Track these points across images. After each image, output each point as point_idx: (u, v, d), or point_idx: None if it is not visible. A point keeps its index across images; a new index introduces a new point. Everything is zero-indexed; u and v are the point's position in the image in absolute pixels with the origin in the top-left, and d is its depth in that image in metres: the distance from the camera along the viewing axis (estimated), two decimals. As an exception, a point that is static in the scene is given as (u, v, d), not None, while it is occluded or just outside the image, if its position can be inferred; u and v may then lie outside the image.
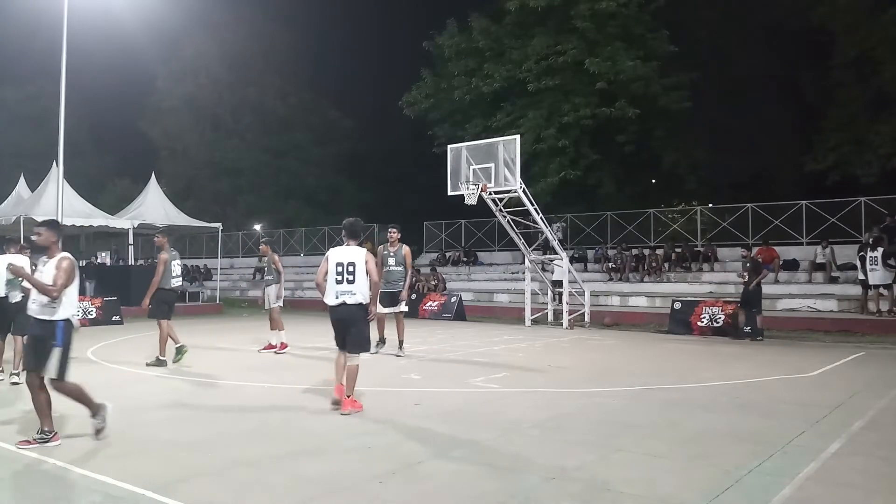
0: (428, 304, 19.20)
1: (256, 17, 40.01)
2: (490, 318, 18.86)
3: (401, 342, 10.65)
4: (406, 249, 10.60)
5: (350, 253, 6.55)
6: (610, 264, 21.00)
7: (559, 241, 18.40)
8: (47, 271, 5.30)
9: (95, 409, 5.47)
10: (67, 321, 5.34)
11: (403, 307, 10.63)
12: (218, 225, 23.38)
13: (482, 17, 25.69)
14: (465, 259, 25.26)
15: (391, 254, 10.47)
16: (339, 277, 6.46)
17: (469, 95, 25.33)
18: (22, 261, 7.84)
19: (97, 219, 20.61)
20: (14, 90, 42.12)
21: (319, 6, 40.18)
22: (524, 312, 16.94)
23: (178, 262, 9.95)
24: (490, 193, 15.45)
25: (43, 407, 5.28)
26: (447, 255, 25.98)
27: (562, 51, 23.26)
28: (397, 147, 37.26)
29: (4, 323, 8.16)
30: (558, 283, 17.26)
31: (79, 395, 5.42)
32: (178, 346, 9.68)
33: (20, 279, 6.81)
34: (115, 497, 4.19)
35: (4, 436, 5.55)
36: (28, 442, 5.21)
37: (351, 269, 6.44)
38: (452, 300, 19.02)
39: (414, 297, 11.62)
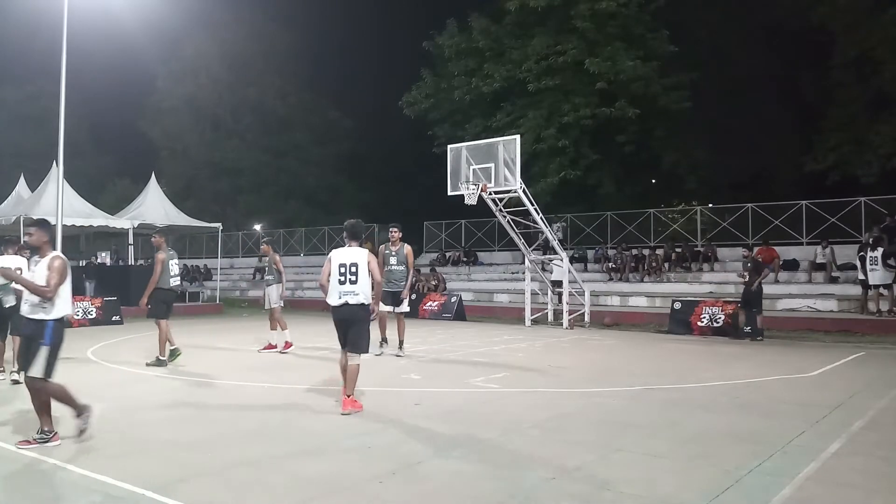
0: (428, 304, 19.20)
1: (256, 17, 40.05)
2: (490, 318, 18.86)
3: (401, 342, 10.65)
4: (408, 249, 10.59)
5: (352, 254, 6.62)
6: (610, 264, 21.01)
7: (559, 241, 18.40)
8: (39, 271, 5.28)
9: (80, 410, 5.41)
10: (58, 321, 5.30)
11: (405, 307, 10.64)
12: (218, 225, 23.38)
13: (482, 17, 25.69)
14: (465, 259, 25.26)
15: (393, 253, 10.46)
16: (342, 278, 6.53)
17: (469, 95, 25.33)
18: (20, 262, 7.84)
19: (97, 219, 20.62)
20: (14, 90, 42.13)
21: (319, 6, 40.24)
22: (524, 312, 16.94)
23: (176, 261, 9.95)
24: (490, 193, 15.45)
25: (43, 407, 5.28)
26: (447, 255, 25.98)
27: (562, 51, 23.25)
28: (397, 147, 37.27)
29: (3, 324, 8.16)
30: (558, 283, 17.27)
31: (63, 396, 5.36)
32: (172, 347, 9.67)
33: (12, 282, 6.79)
34: (115, 497, 4.19)
35: (4, 436, 5.56)
36: (28, 442, 5.21)
37: (353, 269, 6.52)
38: (452, 300, 19.01)
39: (414, 297, 11.62)
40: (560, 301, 16.77)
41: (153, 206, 21.95)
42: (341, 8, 41.09)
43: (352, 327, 6.55)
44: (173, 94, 39.96)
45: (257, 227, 36.71)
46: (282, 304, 11.37)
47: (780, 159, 26.57)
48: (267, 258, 11.67)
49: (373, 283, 6.66)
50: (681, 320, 14.69)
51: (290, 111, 40.49)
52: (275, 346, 11.25)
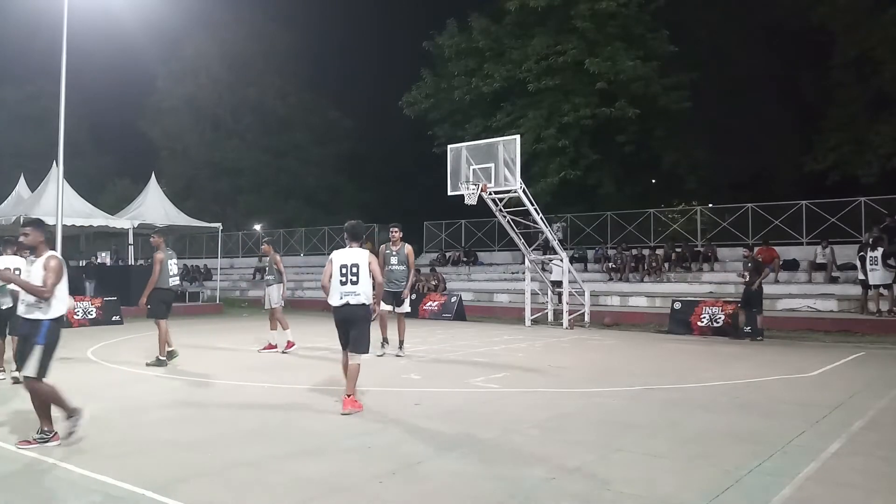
0: (428, 304, 19.20)
1: (256, 17, 40.06)
2: (490, 318, 18.86)
3: (401, 342, 10.65)
4: (409, 248, 10.58)
5: (353, 255, 6.68)
6: (610, 264, 21.01)
7: (559, 240, 18.39)
8: (35, 271, 5.25)
9: (71, 412, 5.34)
10: (55, 321, 5.27)
11: (406, 307, 10.64)
12: (218, 225, 23.38)
13: (482, 17, 25.69)
14: (465, 259, 25.27)
15: (394, 253, 10.45)
16: (344, 279, 6.59)
17: (469, 95, 25.33)
18: (19, 262, 7.83)
19: (97, 219, 20.61)
20: (14, 90, 42.14)
21: (319, 6, 40.25)
22: (524, 312, 16.94)
23: (175, 261, 9.97)
24: (490, 193, 15.45)
25: (42, 407, 5.27)
26: (447, 255, 25.98)
27: (562, 51, 23.26)
28: (397, 147, 37.27)
29: (1, 324, 8.17)
30: (558, 284, 17.29)
31: (55, 398, 5.29)
32: (169, 349, 9.66)
33: (8, 284, 6.77)
34: (115, 497, 4.19)
35: (4, 435, 5.56)
36: (28, 442, 5.21)
37: (354, 270, 6.59)
38: (452, 300, 19.02)
39: (414, 296, 11.62)
40: (560, 301, 16.77)
41: (153, 206, 21.95)
42: (341, 8, 41.17)
43: (353, 327, 6.60)
44: (173, 94, 39.97)
45: (257, 227, 36.71)
46: (282, 304, 11.38)
47: (780, 159, 26.58)
48: (268, 258, 11.68)
49: (374, 284, 6.73)
50: (681, 320, 14.69)
51: (290, 111, 40.49)
52: (275, 346, 11.25)
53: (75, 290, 18.38)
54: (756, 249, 15.22)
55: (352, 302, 6.58)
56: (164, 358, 9.55)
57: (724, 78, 25.13)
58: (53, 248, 5.55)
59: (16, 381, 7.82)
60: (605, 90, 22.95)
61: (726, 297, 16.12)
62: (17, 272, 6.94)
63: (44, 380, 5.26)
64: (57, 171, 16.98)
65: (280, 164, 40.05)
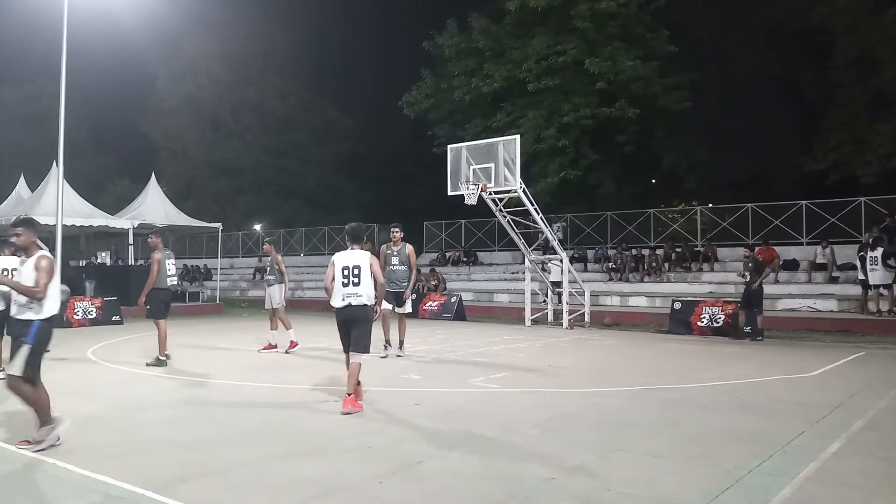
0: (428, 304, 19.20)
1: (256, 17, 40.06)
2: (490, 318, 18.86)
3: (401, 342, 10.65)
4: (410, 248, 10.56)
5: (355, 256, 6.76)
6: (610, 264, 21.01)
7: (559, 240, 18.39)
8: (26, 271, 5.19)
9: (47, 421, 5.21)
10: (46, 321, 5.21)
11: (408, 307, 10.63)
12: (218, 225, 23.38)
13: (482, 17, 25.69)
14: (465, 259, 25.27)
15: (395, 253, 10.44)
16: (346, 280, 6.67)
17: (469, 95, 25.34)
18: (17, 263, 7.81)
19: (97, 219, 20.61)
20: (14, 90, 42.14)
21: (319, 6, 40.24)
22: (524, 312, 16.94)
23: (173, 261, 9.99)
24: (490, 193, 15.45)
25: (42, 407, 5.27)
26: (447, 255, 25.99)
27: (562, 51, 23.26)
28: (397, 147, 37.27)
29: None
30: (556, 284, 17.30)
31: (36, 402, 5.18)
32: (161, 356, 9.61)
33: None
34: (115, 497, 4.19)
35: (4, 435, 5.55)
36: (28, 442, 5.20)
37: (356, 271, 6.67)
38: (452, 300, 19.02)
39: (414, 297, 11.61)
40: (559, 301, 16.77)
41: (153, 206, 21.95)
42: (341, 8, 41.15)
43: (355, 328, 6.68)
44: (173, 94, 39.97)
45: (257, 227, 36.72)
46: (284, 305, 11.38)
47: (780, 159, 26.57)
48: (269, 258, 11.68)
49: (375, 285, 6.79)
50: (681, 320, 14.69)
51: (290, 111, 40.49)
52: (275, 346, 11.25)
53: (75, 291, 18.39)
54: (756, 249, 15.23)
55: (354, 303, 6.65)
56: (164, 358, 9.55)
57: (724, 78, 25.13)
58: (44, 248, 5.50)
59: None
60: (605, 90, 22.95)
61: (726, 297, 16.11)
62: (14, 272, 6.92)
63: (39, 384, 5.23)
64: (57, 171, 16.97)
65: (280, 164, 40.05)
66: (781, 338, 13.39)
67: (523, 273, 17.89)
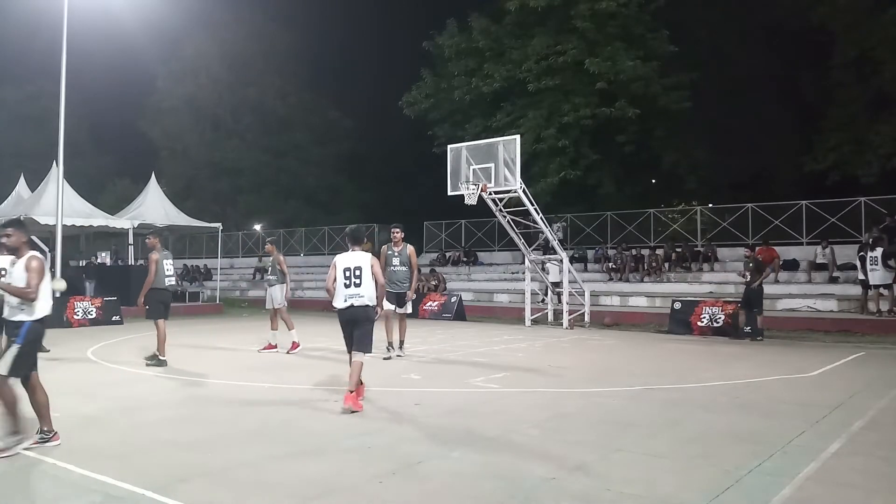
0: (428, 304, 19.20)
1: (256, 17, 40.06)
2: (490, 318, 18.86)
3: (401, 342, 10.65)
4: (411, 249, 10.55)
5: (356, 258, 6.86)
6: (610, 264, 21.01)
7: (559, 240, 18.39)
8: (17, 273, 5.16)
9: (17, 430, 5.08)
10: (37, 322, 5.19)
11: (408, 308, 10.63)
12: (218, 225, 23.38)
13: (482, 17, 25.69)
14: (465, 259, 25.27)
15: (396, 254, 10.42)
16: (347, 281, 6.77)
17: (469, 95, 25.33)
18: (5, 263, 7.81)
19: (97, 219, 20.61)
20: (14, 90, 42.15)
21: (319, 6, 40.25)
22: (524, 312, 16.94)
23: (170, 261, 10.00)
24: (490, 193, 15.45)
25: (41, 407, 5.26)
26: (447, 255, 25.99)
27: (562, 51, 23.25)
28: (397, 147, 37.27)
29: None
30: (555, 284, 17.30)
31: (11, 406, 5.08)
32: (161, 357, 9.63)
33: None
34: (115, 497, 4.19)
35: (3, 436, 5.54)
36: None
37: (358, 272, 6.77)
38: (452, 300, 19.01)
39: (414, 297, 11.60)
40: (559, 301, 16.77)
41: (153, 206, 21.96)
42: (341, 8, 41.16)
43: (357, 328, 6.78)
44: (173, 94, 39.97)
45: (257, 227, 36.72)
46: (286, 305, 11.38)
47: (780, 159, 26.57)
48: (270, 258, 11.68)
49: (376, 285, 6.86)
50: (681, 320, 14.69)
51: (290, 111, 40.49)
52: (275, 347, 11.25)
53: (75, 291, 18.41)
54: (756, 249, 15.23)
55: (356, 304, 6.74)
56: (165, 358, 9.55)
57: (724, 78, 25.12)
58: (37, 249, 5.46)
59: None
60: (605, 90, 22.95)
61: (726, 297, 16.11)
62: (2, 272, 6.91)
63: (39, 386, 5.22)
64: (57, 171, 16.98)
65: (280, 164, 40.05)
66: (781, 338, 13.39)
67: (523, 273, 17.89)
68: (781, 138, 26.00)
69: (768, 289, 15.32)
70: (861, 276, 15.03)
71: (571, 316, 16.25)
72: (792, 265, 18.15)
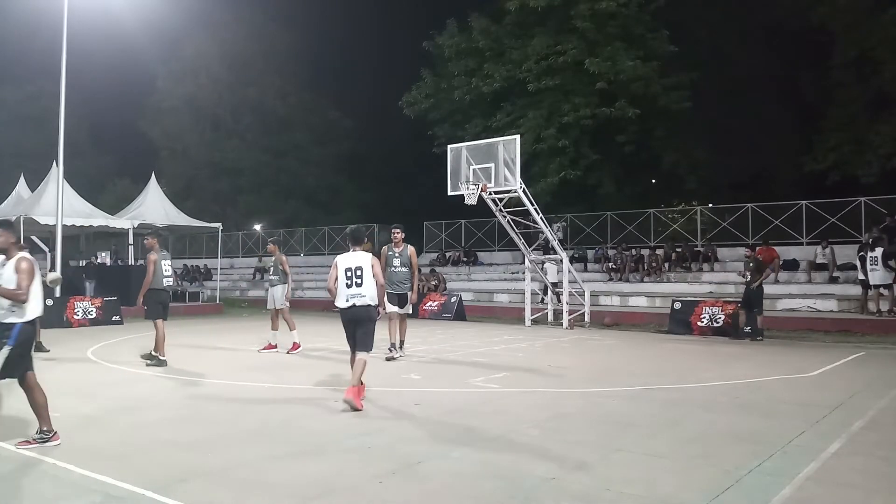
0: (428, 304, 19.19)
1: (256, 17, 40.06)
2: (490, 318, 18.86)
3: (402, 342, 10.63)
4: (411, 250, 10.51)
5: (357, 258, 6.92)
6: (610, 264, 21.00)
7: (559, 240, 18.40)
8: (6, 274, 5.13)
9: None
10: (28, 323, 5.17)
11: (408, 309, 10.61)
12: (218, 225, 23.39)
13: (482, 17, 25.69)
14: (465, 259, 25.27)
15: (396, 254, 10.39)
16: (349, 282, 6.84)
17: (469, 95, 25.33)
18: None
19: (97, 219, 20.61)
20: (14, 90, 42.15)
21: (319, 6, 40.25)
22: (524, 312, 16.94)
23: (169, 261, 10.02)
24: (490, 193, 15.45)
25: (39, 407, 5.26)
26: (447, 255, 25.99)
27: (562, 51, 23.25)
28: (397, 147, 37.27)
29: None
30: (555, 283, 17.30)
31: None
32: (161, 357, 9.64)
33: None
34: (115, 497, 4.19)
35: (3, 436, 5.55)
36: (28, 442, 5.21)
37: (359, 272, 6.84)
38: (452, 300, 19.02)
39: (416, 300, 11.58)
40: (559, 301, 16.77)
41: (153, 206, 21.96)
42: (341, 8, 41.15)
43: (359, 327, 6.85)
44: (173, 94, 39.96)
45: (257, 227, 36.71)
46: (287, 305, 11.38)
47: (780, 159, 26.57)
48: (272, 258, 11.68)
49: (377, 286, 6.92)
50: (681, 320, 14.69)
51: (290, 111, 40.49)
52: (275, 347, 11.25)
53: (75, 291, 18.43)
54: (756, 249, 15.23)
55: (357, 303, 6.81)
56: (165, 358, 9.55)
57: (724, 78, 25.12)
58: (24, 249, 5.41)
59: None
60: (605, 90, 22.94)
61: (726, 297, 16.12)
62: None
63: (37, 387, 5.21)
64: (57, 171, 17.00)
65: (280, 164, 40.05)
66: (781, 338, 13.40)
67: (523, 273, 17.89)
68: (781, 138, 26.00)
69: (768, 289, 15.32)
70: (861, 276, 15.03)
71: (571, 316, 16.25)
72: (792, 265, 18.15)
